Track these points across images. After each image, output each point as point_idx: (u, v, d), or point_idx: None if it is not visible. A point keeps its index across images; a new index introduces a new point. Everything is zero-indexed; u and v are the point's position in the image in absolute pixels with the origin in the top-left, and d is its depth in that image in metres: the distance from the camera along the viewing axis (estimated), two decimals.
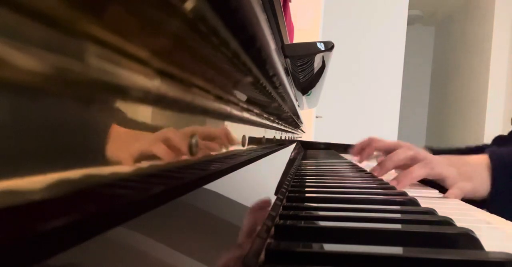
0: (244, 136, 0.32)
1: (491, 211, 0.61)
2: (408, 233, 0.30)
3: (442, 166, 0.69)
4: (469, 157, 0.72)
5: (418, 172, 0.68)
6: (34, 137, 0.08)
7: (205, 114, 0.21)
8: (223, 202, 0.25)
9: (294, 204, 0.41)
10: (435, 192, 0.67)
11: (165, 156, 0.15)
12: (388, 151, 1.00)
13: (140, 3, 0.11)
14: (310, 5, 2.06)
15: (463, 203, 0.58)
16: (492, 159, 0.69)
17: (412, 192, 0.56)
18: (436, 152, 1.07)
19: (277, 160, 0.59)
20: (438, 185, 0.71)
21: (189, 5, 0.13)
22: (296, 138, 1.36)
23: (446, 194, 0.66)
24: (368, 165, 1.16)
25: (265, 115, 0.45)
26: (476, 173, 0.69)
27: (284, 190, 0.47)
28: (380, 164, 0.75)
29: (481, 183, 0.68)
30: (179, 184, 0.18)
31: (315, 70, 0.62)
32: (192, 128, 0.19)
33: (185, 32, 0.15)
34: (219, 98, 0.23)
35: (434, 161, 0.70)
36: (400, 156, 0.73)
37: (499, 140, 1.06)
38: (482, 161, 0.70)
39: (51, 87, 0.08)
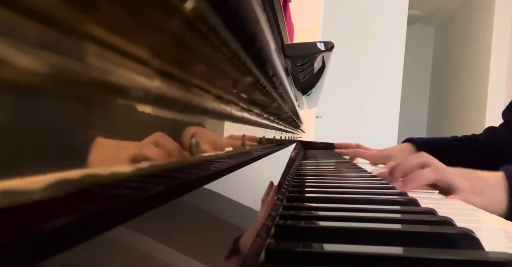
0: (244, 136, 0.32)
1: None
2: (408, 233, 0.30)
3: (455, 175, 0.65)
4: (483, 173, 0.68)
5: (428, 175, 0.65)
6: (34, 137, 0.08)
7: (205, 114, 0.21)
8: (223, 202, 0.25)
9: (294, 204, 0.41)
10: (435, 192, 0.67)
11: (165, 156, 0.15)
12: (377, 162, 1.06)
13: (140, 3, 0.11)
14: (310, 5, 2.06)
15: (463, 203, 0.58)
16: (509, 178, 0.65)
17: (411, 192, 0.56)
18: (419, 142, 1.09)
19: (277, 160, 0.59)
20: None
21: (189, 5, 0.13)
22: (296, 137, 1.36)
23: (450, 196, 0.63)
24: (365, 162, 1.18)
25: (265, 115, 0.45)
26: (489, 190, 0.65)
27: (284, 190, 0.47)
28: (389, 174, 0.71)
29: (494, 202, 0.64)
30: (179, 184, 0.18)
31: (315, 70, 0.62)
32: (192, 128, 0.19)
33: (185, 32, 0.15)
34: (219, 98, 0.23)
35: (446, 168, 0.66)
36: (410, 163, 0.68)
37: (490, 130, 1.07)
38: (497, 179, 0.66)
39: (51, 87, 0.08)
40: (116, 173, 0.11)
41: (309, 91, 0.83)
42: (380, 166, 1.03)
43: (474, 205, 0.61)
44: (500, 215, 0.64)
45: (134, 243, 0.13)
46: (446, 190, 0.66)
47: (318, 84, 0.77)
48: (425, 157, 0.69)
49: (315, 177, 0.69)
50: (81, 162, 0.10)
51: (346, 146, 1.28)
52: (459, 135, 1.14)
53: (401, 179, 0.69)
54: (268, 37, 0.25)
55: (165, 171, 0.16)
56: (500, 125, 1.06)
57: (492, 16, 3.16)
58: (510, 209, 0.64)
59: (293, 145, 1.08)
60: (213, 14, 0.15)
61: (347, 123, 3.08)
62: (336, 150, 1.29)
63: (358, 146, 1.25)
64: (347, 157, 1.25)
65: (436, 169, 0.66)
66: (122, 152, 0.12)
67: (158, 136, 0.15)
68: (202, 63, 0.19)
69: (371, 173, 0.77)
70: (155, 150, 0.14)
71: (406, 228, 0.32)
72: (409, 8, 3.20)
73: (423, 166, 0.67)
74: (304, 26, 2.00)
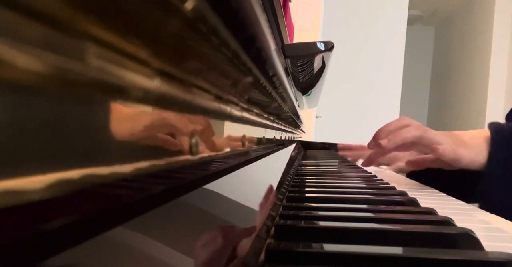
0: (244, 136, 0.32)
1: (487, 181, 0.61)
2: (408, 233, 0.30)
3: (437, 133, 0.68)
4: (466, 131, 0.72)
5: (411, 132, 0.67)
6: (34, 137, 0.08)
7: (205, 114, 0.21)
8: (223, 202, 0.25)
9: (294, 204, 0.41)
10: (435, 192, 0.67)
11: (165, 156, 0.15)
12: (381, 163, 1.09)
13: (140, 3, 0.11)
14: (310, 5, 2.06)
15: (463, 203, 0.58)
16: (491, 129, 0.68)
17: (412, 192, 0.56)
18: None
19: (277, 160, 0.59)
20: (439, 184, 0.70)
21: (189, 5, 0.13)
22: (296, 137, 1.36)
23: (436, 147, 0.65)
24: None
25: (265, 115, 0.45)
26: (473, 141, 0.68)
27: (284, 190, 0.47)
28: (373, 138, 0.74)
29: (478, 152, 0.66)
30: (179, 184, 0.18)
31: (315, 70, 0.62)
32: (192, 128, 0.19)
33: (185, 32, 0.15)
34: (219, 98, 0.23)
35: (429, 129, 0.69)
36: (392, 124, 0.71)
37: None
38: (480, 132, 0.69)
39: (51, 87, 0.08)
40: (116, 173, 0.11)
41: (309, 91, 0.83)
42: (384, 167, 1.03)
43: (461, 156, 0.65)
44: (483, 166, 0.65)
45: (134, 243, 0.13)
46: (428, 150, 0.68)
47: (318, 84, 0.77)
48: (407, 119, 0.72)
49: (315, 177, 0.69)
50: (81, 162, 0.10)
51: (349, 147, 1.28)
52: None
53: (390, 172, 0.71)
54: (268, 37, 0.25)
55: (165, 171, 0.16)
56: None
57: (492, 16, 3.16)
58: (490, 156, 0.66)
59: (293, 145, 1.08)
60: (213, 14, 0.15)
61: (347, 123, 3.08)
62: (340, 152, 1.30)
63: (361, 147, 1.25)
64: (350, 159, 1.25)
65: (419, 126, 0.69)
66: (122, 151, 0.12)
67: (160, 136, 0.15)
68: (202, 63, 0.19)
69: (371, 173, 0.77)
70: (156, 149, 0.14)
71: (406, 228, 0.32)
72: (409, 8, 3.19)
73: (406, 127, 0.69)
74: (304, 26, 2.00)
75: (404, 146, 0.70)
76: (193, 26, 0.15)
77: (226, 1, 0.16)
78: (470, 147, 0.67)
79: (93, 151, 0.10)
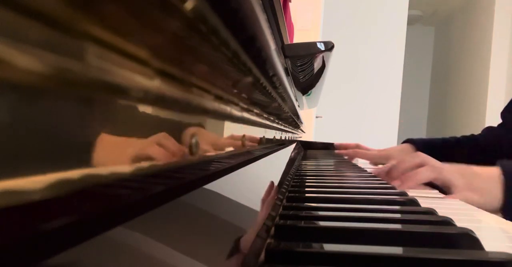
0: (244, 136, 0.32)
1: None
2: (408, 233, 0.30)
3: (452, 173, 0.66)
4: (480, 169, 0.68)
5: (425, 174, 0.66)
6: (34, 137, 0.08)
7: (205, 114, 0.21)
8: (223, 202, 0.25)
9: (294, 204, 0.41)
10: (435, 192, 0.67)
11: (165, 156, 0.15)
12: (376, 162, 1.09)
13: (140, 3, 0.11)
14: (310, 5, 2.06)
15: (463, 203, 0.58)
16: (505, 174, 0.66)
17: (412, 192, 0.56)
18: (418, 143, 1.10)
19: (277, 160, 0.59)
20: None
21: (189, 5, 0.13)
22: (296, 137, 1.36)
23: (448, 196, 0.64)
24: (365, 162, 1.18)
25: (265, 115, 0.45)
26: (486, 186, 0.65)
27: (284, 190, 0.47)
28: (387, 174, 0.73)
29: (491, 198, 0.64)
30: (179, 184, 0.18)
31: (315, 70, 0.62)
32: (192, 128, 0.19)
33: (185, 32, 0.15)
34: (219, 98, 0.23)
35: (444, 167, 0.67)
36: (407, 163, 0.70)
37: (489, 130, 1.07)
38: (494, 174, 0.66)
39: (51, 87, 0.08)
40: (116, 173, 0.11)
41: (309, 91, 0.83)
42: (380, 166, 1.04)
43: (473, 203, 0.62)
44: (498, 211, 0.65)
45: (134, 243, 0.13)
46: (444, 188, 0.67)
47: (318, 84, 0.77)
48: (422, 156, 0.70)
49: (315, 177, 0.69)
50: (81, 162, 0.10)
51: (345, 146, 1.30)
52: (459, 135, 1.14)
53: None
54: (268, 37, 0.25)
55: (165, 171, 0.16)
56: (499, 125, 1.06)
57: (492, 16, 3.16)
58: (505, 204, 0.64)
59: (293, 145, 1.08)
60: (213, 14, 0.15)
61: (347, 123, 3.08)
62: (336, 151, 1.31)
63: (357, 146, 1.26)
64: (346, 157, 1.26)
65: (433, 167, 0.67)
66: (122, 151, 0.12)
67: (161, 136, 0.15)
68: (202, 63, 0.19)
69: (371, 173, 0.77)
70: (156, 149, 0.14)
71: (406, 228, 0.32)
72: (409, 8, 3.19)
73: (420, 165, 0.68)
74: (304, 26, 2.00)
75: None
76: (193, 26, 0.15)
77: (226, 1, 0.16)
78: (484, 193, 0.65)
79: (93, 150, 0.10)
